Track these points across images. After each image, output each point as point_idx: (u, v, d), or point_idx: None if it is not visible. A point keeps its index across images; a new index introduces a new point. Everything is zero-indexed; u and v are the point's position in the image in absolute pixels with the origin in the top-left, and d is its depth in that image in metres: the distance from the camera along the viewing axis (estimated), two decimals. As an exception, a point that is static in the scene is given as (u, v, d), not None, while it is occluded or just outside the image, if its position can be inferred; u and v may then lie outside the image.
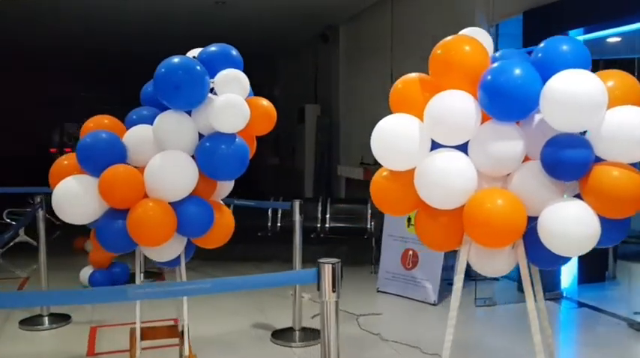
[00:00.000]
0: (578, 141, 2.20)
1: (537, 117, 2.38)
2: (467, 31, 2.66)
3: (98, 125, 2.96)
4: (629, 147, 2.15)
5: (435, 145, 2.47)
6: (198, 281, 1.92)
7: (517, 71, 2.26)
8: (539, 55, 2.37)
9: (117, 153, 2.79)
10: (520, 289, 5.63)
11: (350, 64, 9.44)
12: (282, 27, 9.67)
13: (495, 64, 2.36)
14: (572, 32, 5.25)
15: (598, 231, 2.19)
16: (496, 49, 6.28)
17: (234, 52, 3.02)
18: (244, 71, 2.94)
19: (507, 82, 2.25)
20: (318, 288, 2.08)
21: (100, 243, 2.79)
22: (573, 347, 4.42)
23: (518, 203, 2.29)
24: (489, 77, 2.31)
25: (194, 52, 3.09)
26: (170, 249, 2.91)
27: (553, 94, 2.18)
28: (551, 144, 2.25)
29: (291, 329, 4.27)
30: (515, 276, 5.88)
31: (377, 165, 7.64)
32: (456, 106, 2.33)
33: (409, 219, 5.42)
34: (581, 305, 5.26)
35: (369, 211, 6.56)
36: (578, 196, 2.33)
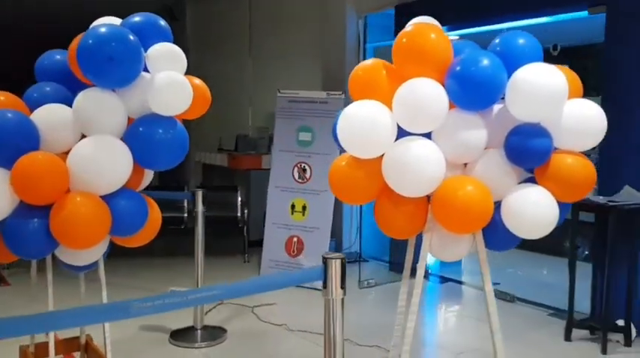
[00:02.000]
0: (541, 131, 2.35)
1: (496, 107, 2.49)
2: (419, 20, 2.67)
3: (-7, 103, 2.40)
4: (585, 138, 2.36)
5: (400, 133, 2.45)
6: (207, 288, 1.66)
7: (486, 62, 2.33)
8: (498, 48, 2.48)
9: (29, 138, 2.29)
10: (392, 269, 5.95)
11: (200, 43, 9.01)
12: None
13: (464, 55, 2.40)
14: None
15: (557, 213, 2.37)
16: (365, 41, 6.47)
17: (163, 22, 2.67)
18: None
19: (479, 71, 2.31)
20: (325, 286, 1.94)
21: (11, 247, 2.27)
22: (459, 321, 4.76)
23: (486, 189, 2.37)
24: (459, 67, 2.35)
25: (105, 22, 2.66)
26: (94, 250, 2.48)
27: (521, 85, 2.29)
28: (516, 133, 2.36)
29: (192, 329, 3.97)
30: (387, 258, 6.22)
31: (239, 152, 7.39)
32: (430, 94, 2.33)
33: (293, 206, 5.38)
34: (445, 279, 5.71)
35: (239, 199, 6.38)
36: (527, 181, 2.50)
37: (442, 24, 5.72)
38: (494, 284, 5.37)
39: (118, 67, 2.31)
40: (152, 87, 2.41)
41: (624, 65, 3.95)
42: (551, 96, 2.27)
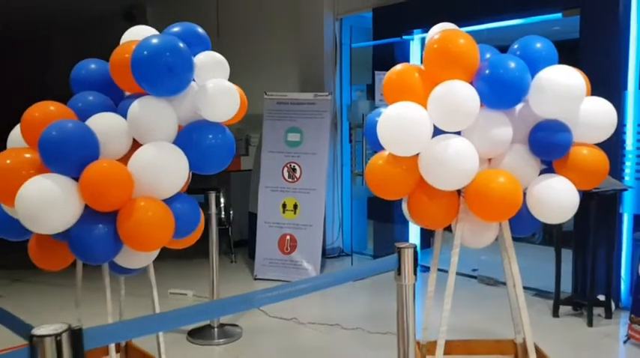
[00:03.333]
0: (563, 126, 2.63)
1: (518, 105, 2.74)
2: (441, 26, 2.88)
3: (45, 114, 2.44)
4: (599, 131, 2.65)
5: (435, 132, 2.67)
6: (302, 281, 1.81)
7: (513, 64, 2.57)
8: (518, 52, 2.73)
9: (92, 147, 2.35)
10: (376, 262, 6.20)
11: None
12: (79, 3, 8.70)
13: (491, 58, 2.64)
14: (416, 31, 5.90)
15: (578, 199, 2.65)
16: (342, 42, 6.64)
17: (201, 30, 2.78)
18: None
19: (507, 74, 2.55)
20: (399, 273, 2.13)
21: (79, 253, 2.34)
22: (453, 307, 5.01)
23: (516, 180, 2.62)
24: (489, 70, 2.59)
25: (143, 32, 2.75)
26: (152, 253, 2.58)
27: (546, 85, 2.55)
28: (541, 129, 2.63)
29: (208, 327, 4.06)
30: (370, 253, 6.45)
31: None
32: (465, 95, 2.55)
33: (284, 205, 5.52)
34: (425, 268, 5.99)
35: (222, 200, 6.45)
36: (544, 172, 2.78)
37: (419, 27, 6.00)
38: (473, 270, 5.75)
39: (176, 78, 2.41)
40: (205, 95, 2.52)
41: (598, 61, 4.34)
42: (572, 95, 2.54)
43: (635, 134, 4.44)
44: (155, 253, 2.62)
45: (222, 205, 6.40)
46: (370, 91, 6.12)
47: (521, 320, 2.84)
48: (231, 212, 6.39)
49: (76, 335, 1.31)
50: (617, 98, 4.26)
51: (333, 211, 6.46)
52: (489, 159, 2.78)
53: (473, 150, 2.60)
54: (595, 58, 4.32)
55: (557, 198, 2.60)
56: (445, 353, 2.89)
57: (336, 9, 6.29)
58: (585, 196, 4.15)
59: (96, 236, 2.32)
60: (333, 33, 6.32)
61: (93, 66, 2.80)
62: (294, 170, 5.50)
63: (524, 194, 2.70)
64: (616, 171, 4.33)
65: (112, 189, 2.28)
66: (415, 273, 2.14)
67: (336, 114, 6.29)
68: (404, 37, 5.74)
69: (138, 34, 2.76)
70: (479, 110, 2.59)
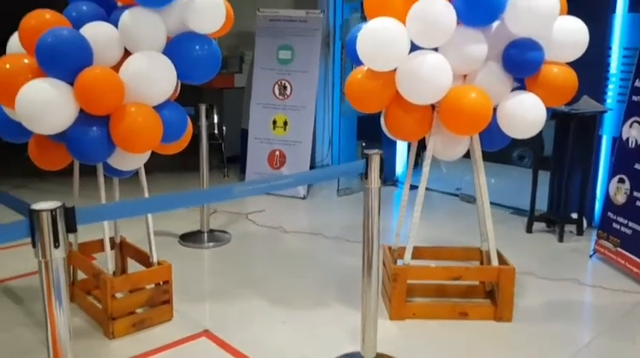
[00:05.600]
0: (535, 44, 2.74)
1: (494, 23, 2.84)
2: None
3: (42, 22, 2.55)
4: (571, 50, 2.77)
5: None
6: (286, 176, 2.00)
7: (491, -17, 2.65)
8: (495, -29, 2.80)
9: (86, 54, 2.48)
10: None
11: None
12: None
13: (471, -24, 2.71)
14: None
15: (545, 115, 2.81)
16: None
17: (190, -57, 2.82)
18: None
19: (485, -8, 2.64)
20: (366, 176, 2.32)
21: (76, 154, 2.52)
22: (433, 221, 5.29)
23: (487, 96, 2.77)
24: (468, -13, 2.67)
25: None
26: (143, 156, 2.77)
27: (521, 3, 2.64)
28: (515, 46, 2.75)
29: (198, 232, 4.33)
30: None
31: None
32: (443, 10, 2.64)
33: (274, 122, 5.67)
34: (413, 187, 6.22)
35: (216, 116, 6.58)
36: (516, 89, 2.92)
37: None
38: (457, 189, 5.98)
39: (167, -13, 2.50)
40: (193, 7, 2.61)
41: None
42: (547, 13, 2.64)
43: (621, 57, 4.52)
44: (146, 156, 2.80)
45: (215, 121, 6.54)
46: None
47: (487, 228, 3.07)
48: (224, 128, 6.53)
49: (69, 212, 1.51)
50: (604, 21, 4.31)
51: (323, 130, 6.61)
52: (464, 76, 2.91)
53: (448, 66, 2.72)
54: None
55: (524, 113, 2.76)
56: (414, 258, 3.15)
57: None
58: (565, 117, 4.31)
59: (90, 137, 2.50)
60: (328, -52, 6.22)
61: (87, -24, 2.87)
62: (284, 87, 5.60)
63: (496, 110, 2.85)
64: (598, 93, 4.46)
65: (105, 94, 2.43)
66: (381, 178, 2.34)
67: (329, 33, 6.30)
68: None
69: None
70: (455, 26, 2.70)
